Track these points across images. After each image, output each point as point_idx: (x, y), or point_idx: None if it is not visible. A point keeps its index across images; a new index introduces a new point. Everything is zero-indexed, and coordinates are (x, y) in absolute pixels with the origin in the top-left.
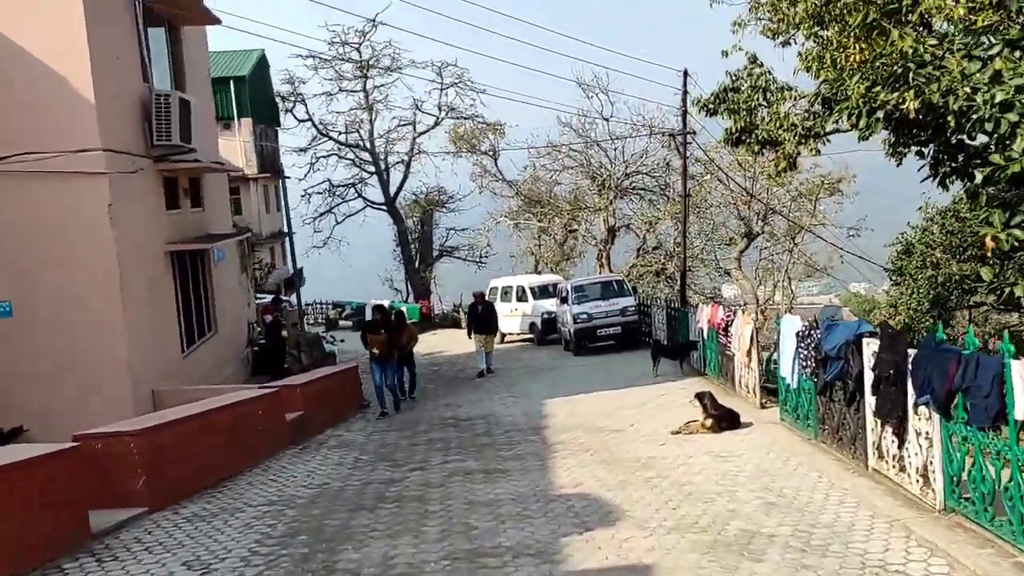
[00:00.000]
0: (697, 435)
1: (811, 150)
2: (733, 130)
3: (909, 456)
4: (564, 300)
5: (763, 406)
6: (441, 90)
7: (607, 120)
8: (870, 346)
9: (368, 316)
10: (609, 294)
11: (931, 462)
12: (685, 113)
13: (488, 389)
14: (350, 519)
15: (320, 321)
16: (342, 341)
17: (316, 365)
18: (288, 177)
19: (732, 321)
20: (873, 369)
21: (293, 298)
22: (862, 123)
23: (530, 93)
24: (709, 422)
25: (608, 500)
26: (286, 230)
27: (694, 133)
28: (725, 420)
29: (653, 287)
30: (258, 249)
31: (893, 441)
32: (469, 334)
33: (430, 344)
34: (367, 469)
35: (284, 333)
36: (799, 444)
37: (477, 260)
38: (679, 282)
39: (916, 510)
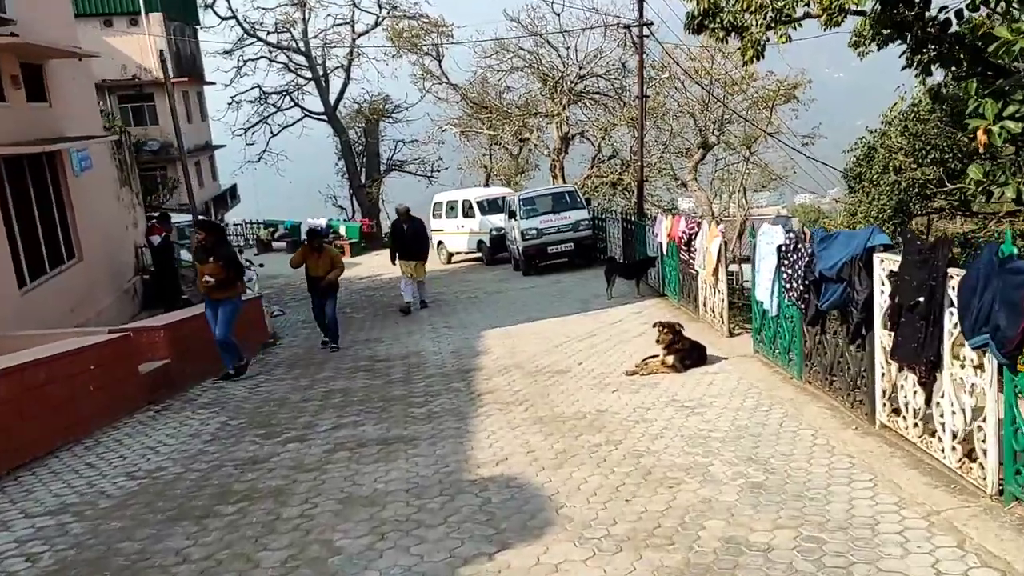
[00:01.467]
0: (657, 375)
1: (780, 36)
2: (695, 13)
3: (943, 415)
4: (512, 215)
5: (732, 333)
6: None
7: (558, 15)
8: (885, 264)
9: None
10: (561, 207)
11: (981, 427)
12: (642, 1)
13: (421, 319)
14: (160, 538)
15: (251, 243)
16: (261, 266)
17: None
18: (212, 83)
19: (696, 234)
20: (892, 296)
21: (229, 217)
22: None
23: None
24: (671, 359)
25: (539, 488)
26: (212, 142)
27: (651, 24)
28: (690, 356)
29: (609, 199)
30: (164, 163)
31: (916, 392)
32: (393, 259)
33: (370, 266)
34: (229, 442)
35: (179, 256)
36: (781, 386)
37: (428, 174)
38: (636, 193)
39: (959, 495)
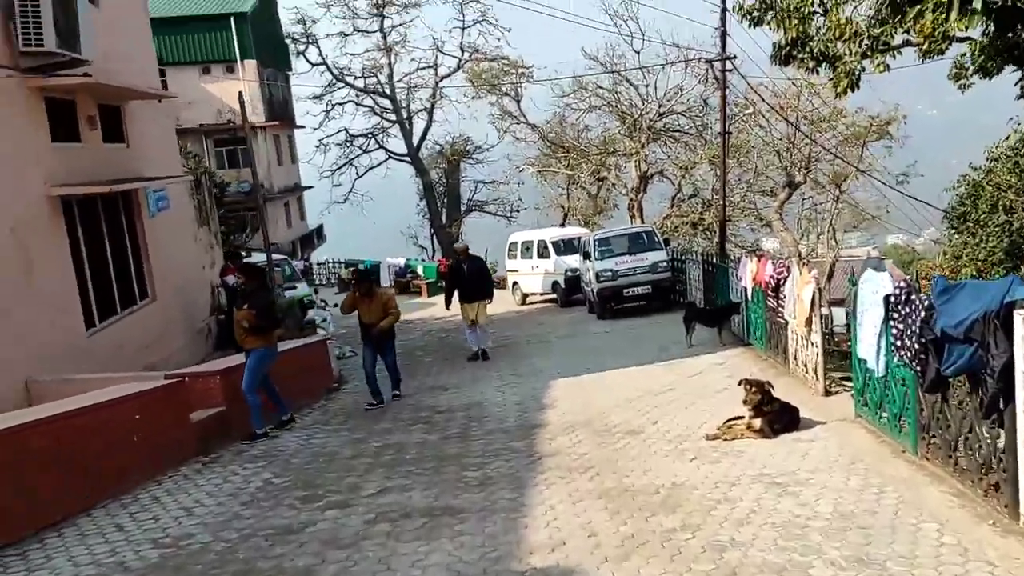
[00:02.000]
0: (742, 440)
1: (878, 66)
2: (782, 43)
3: None
4: (586, 256)
5: (828, 391)
6: (463, 29)
7: (637, 52)
8: None
9: (385, 276)
10: (638, 248)
11: None
12: (724, 34)
13: (489, 366)
14: None
15: (332, 282)
16: (335, 306)
17: (290, 338)
18: (302, 127)
19: (785, 279)
20: None
21: (314, 256)
22: (953, 17)
23: (553, 27)
24: (759, 423)
25: None
26: (301, 183)
27: (734, 58)
28: (780, 420)
29: (689, 240)
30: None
31: None
32: (448, 302)
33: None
34: (267, 505)
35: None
36: (891, 460)
37: (508, 214)
38: (718, 233)
39: None
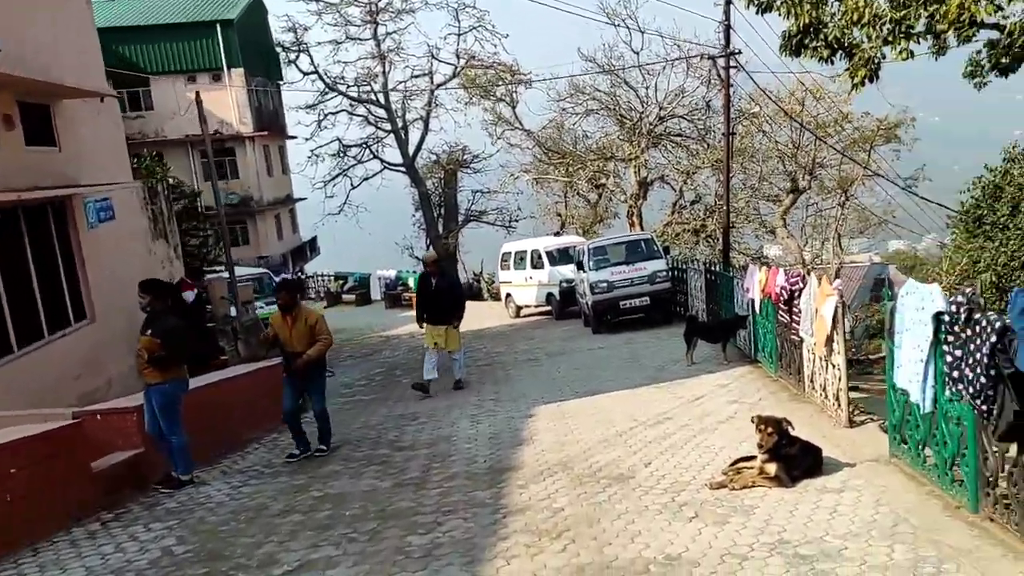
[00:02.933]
0: (753, 489)
1: (900, 53)
2: (793, 31)
3: None
4: (580, 266)
5: (852, 422)
6: (459, 35)
7: (637, 53)
8: None
9: (376, 288)
10: (635, 257)
11: None
12: (728, 28)
13: (468, 390)
14: None
15: (321, 296)
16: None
17: (253, 359)
18: (294, 137)
19: (799, 291)
20: None
21: (309, 269)
22: None
23: (552, 35)
24: (774, 468)
25: None
26: (293, 195)
27: (739, 53)
28: (800, 464)
29: (691, 248)
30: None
31: None
32: (419, 321)
33: None
34: None
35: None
36: (945, 522)
37: (506, 224)
38: (722, 240)
39: None
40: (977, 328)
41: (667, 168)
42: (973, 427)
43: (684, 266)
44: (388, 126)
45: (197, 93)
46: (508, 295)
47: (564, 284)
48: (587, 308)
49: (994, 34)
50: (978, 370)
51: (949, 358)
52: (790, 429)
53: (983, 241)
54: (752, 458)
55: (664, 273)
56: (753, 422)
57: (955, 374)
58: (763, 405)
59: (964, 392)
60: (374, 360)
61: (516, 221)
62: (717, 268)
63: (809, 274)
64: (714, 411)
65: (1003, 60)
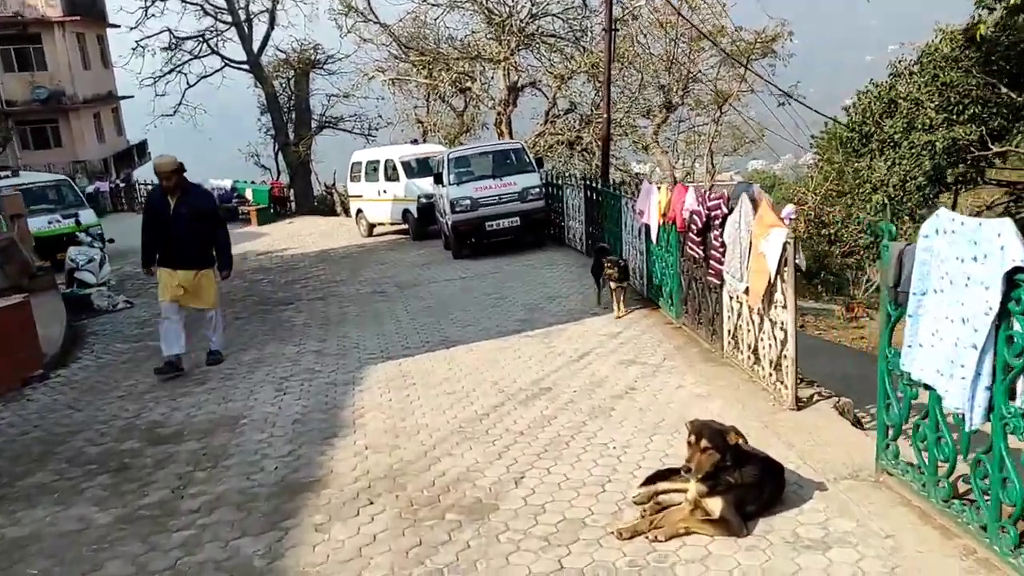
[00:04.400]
0: (687, 542)
1: None
2: None
3: None
4: (439, 179)
5: (799, 403)
6: None
7: None
8: None
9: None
10: (504, 170)
11: None
12: None
13: (290, 334)
14: None
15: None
16: (111, 241)
17: (19, 290)
18: (116, 25)
19: (723, 218)
20: None
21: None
22: None
23: None
24: (718, 507)
25: None
26: (116, 92)
27: None
28: (757, 496)
29: (566, 162)
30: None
31: None
32: (146, 265)
33: (276, 239)
34: None
35: None
36: None
37: (365, 132)
38: (601, 154)
39: None
40: None
41: (539, 72)
42: None
43: (560, 182)
44: (229, 18)
45: None
46: (359, 211)
47: (423, 199)
48: (447, 229)
49: None
50: None
51: None
52: (741, 444)
53: (871, 160)
54: (675, 473)
55: (537, 190)
56: (687, 427)
57: None
58: (668, 366)
59: None
60: None
61: (376, 129)
62: (599, 185)
63: (746, 199)
64: (607, 378)
65: None
